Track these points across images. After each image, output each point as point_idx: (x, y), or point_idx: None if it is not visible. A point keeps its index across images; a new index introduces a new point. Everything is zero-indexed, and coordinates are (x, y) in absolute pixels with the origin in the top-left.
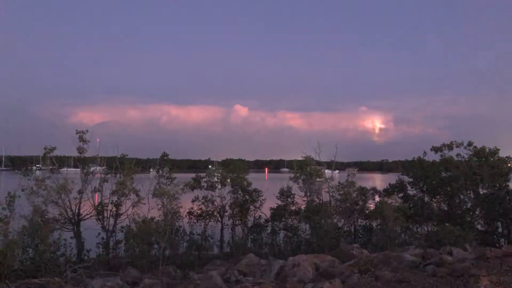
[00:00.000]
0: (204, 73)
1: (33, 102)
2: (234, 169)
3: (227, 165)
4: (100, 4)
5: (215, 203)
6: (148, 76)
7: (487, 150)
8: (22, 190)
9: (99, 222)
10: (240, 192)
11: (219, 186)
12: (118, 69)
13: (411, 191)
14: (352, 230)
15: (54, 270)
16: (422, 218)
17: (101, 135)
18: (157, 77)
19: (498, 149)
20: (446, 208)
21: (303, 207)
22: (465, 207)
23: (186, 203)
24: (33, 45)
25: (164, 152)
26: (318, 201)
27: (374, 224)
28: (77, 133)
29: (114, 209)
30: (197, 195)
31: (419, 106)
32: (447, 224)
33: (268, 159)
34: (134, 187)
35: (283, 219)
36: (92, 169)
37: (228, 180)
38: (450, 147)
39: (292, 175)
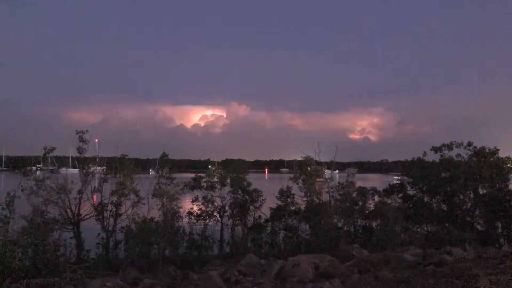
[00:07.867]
0: (204, 73)
1: (32, 102)
2: (234, 169)
3: (227, 165)
4: (97, 3)
5: (215, 203)
6: (148, 75)
7: (487, 150)
8: (22, 190)
9: (99, 222)
10: (240, 192)
11: (219, 186)
12: (117, 68)
13: (411, 191)
14: (352, 230)
15: (54, 270)
16: (422, 218)
17: (100, 135)
18: (157, 77)
19: (498, 149)
20: (446, 208)
21: (303, 207)
22: (465, 207)
23: (186, 203)
24: (33, 45)
25: (164, 152)
26: (318, 201)
27: (374, 224)
28: (77, 133)
29: (114, 209)
30: (197, 195)
31: (419, 106)
32: (447, 224)
33: (268, 159)
34: (134, 187)
35: (283, 219)
36: (91, 169)
37: (228, 180)
38: (450, 147)
39: (292, 175)
